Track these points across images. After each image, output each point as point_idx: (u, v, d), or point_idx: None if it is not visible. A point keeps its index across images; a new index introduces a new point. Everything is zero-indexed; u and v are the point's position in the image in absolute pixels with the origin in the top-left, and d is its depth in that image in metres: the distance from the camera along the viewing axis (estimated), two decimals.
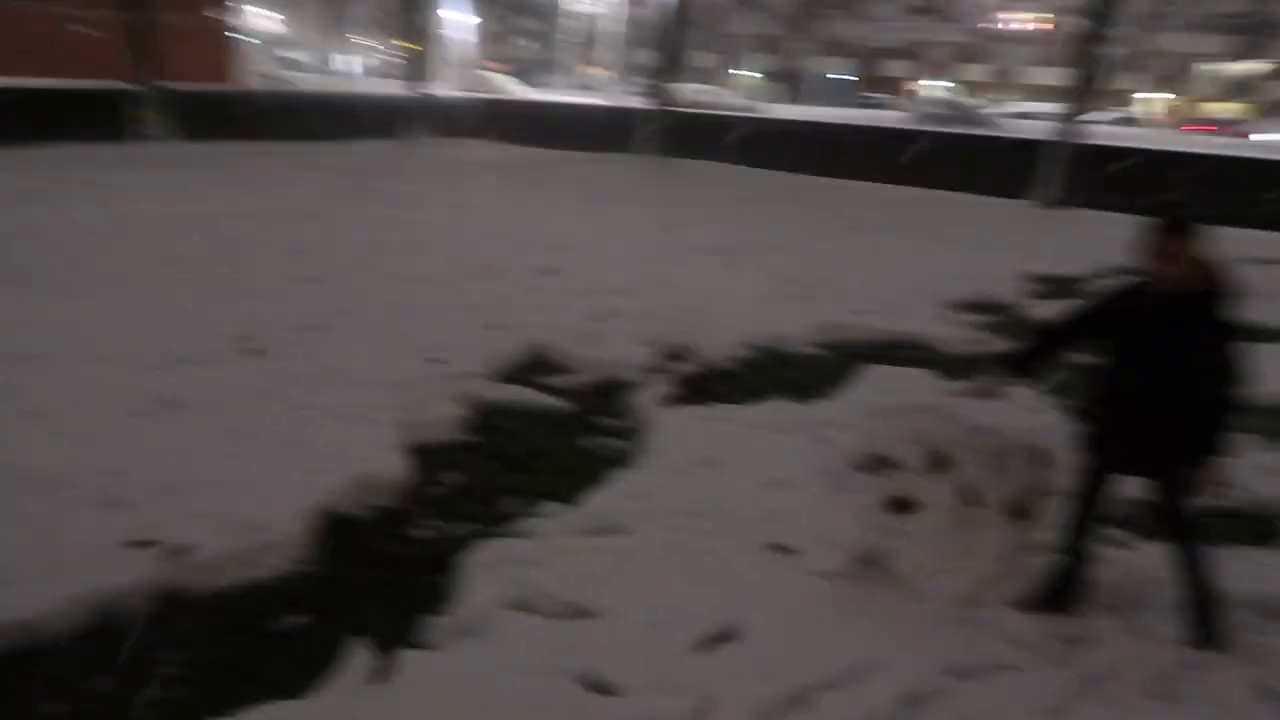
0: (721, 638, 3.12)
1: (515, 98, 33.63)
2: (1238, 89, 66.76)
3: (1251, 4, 52.01)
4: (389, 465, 4.38)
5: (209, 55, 26.23)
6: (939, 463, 3.48)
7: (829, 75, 63.97)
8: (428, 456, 4.66)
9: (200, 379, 5.24)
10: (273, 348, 5.94)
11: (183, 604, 3.27)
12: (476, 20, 49.40)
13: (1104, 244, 12.00)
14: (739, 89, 53.96)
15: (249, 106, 20.39)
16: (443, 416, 5.08)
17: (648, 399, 5.61)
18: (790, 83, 62.56)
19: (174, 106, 17.46)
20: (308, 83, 35.65)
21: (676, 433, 5.02)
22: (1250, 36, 58.68)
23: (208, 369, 5.44)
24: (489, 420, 5.22)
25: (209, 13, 26.73)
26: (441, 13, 26.48)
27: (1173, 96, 60.90)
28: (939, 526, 3.39)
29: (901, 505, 3.45)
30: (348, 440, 4.54)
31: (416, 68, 22.80)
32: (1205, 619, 3.14)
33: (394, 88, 23.58)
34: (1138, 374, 3.10)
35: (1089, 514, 3.33)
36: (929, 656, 2.99)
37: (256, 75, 32.76)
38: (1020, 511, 3.50)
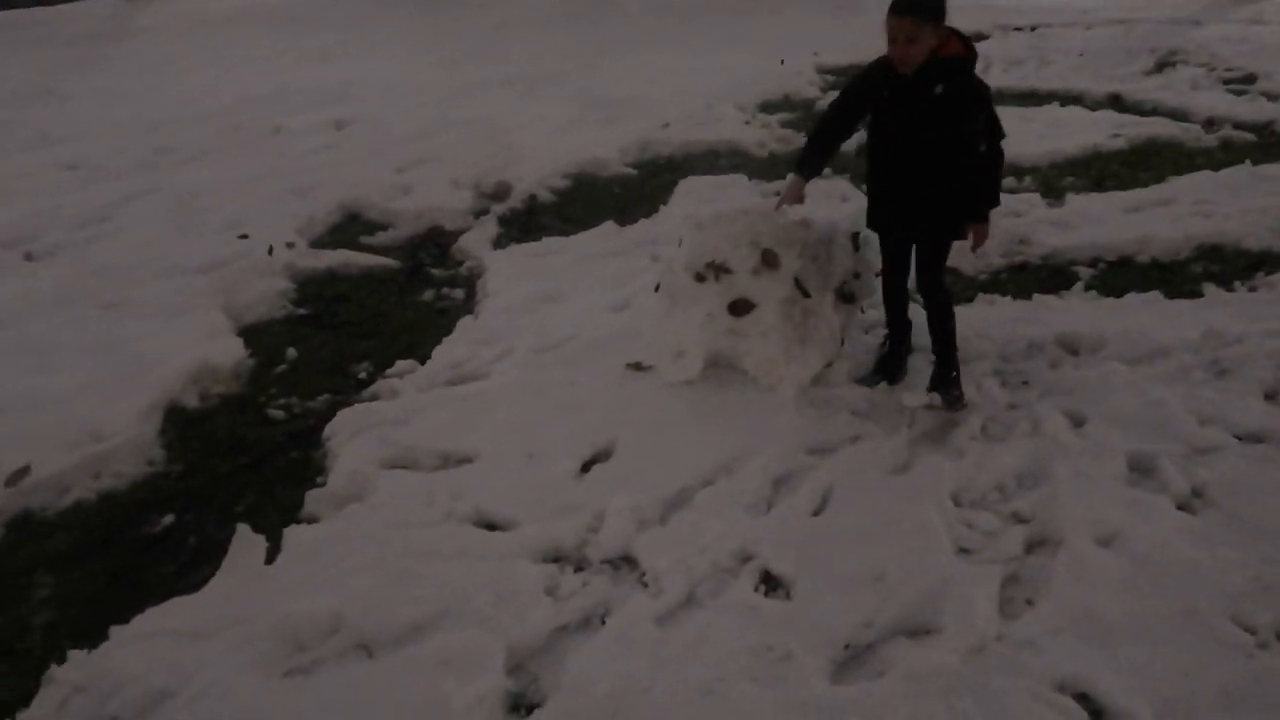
0: (597, 459, 3.29)
1: None
2: None
3: None
4: (224, 350, 4.20)
5: None
6: (769, 261, 3.67)
7: None
8: (262, 336, 4.50)
9: None
10: (59, 248, 5.44)
11: (39, 527, 3.12)
12: None
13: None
14: None
15: None
16: (266, 292, 4.87)
17: (475, 243, 5.55)
18: None
19: None
20: None
21: (512, 272, 5.02)
22: None
23: None
24: (316, 289, 5.05)
25: None
26: None
27: None
28: (778, 321, 3.62)
29: (742, 307, 3.64)
30: (172, 333, 4.31)
31: None
32: (947, 372, 3.49)
33: None
34: (895, 148, 3.28)
35: (895, 284, 3.66)
36: (789, 440, 3.26)
37: None
38: (847, 295, 3.77)
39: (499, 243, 5.57)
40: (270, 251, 5.27)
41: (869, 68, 3.36)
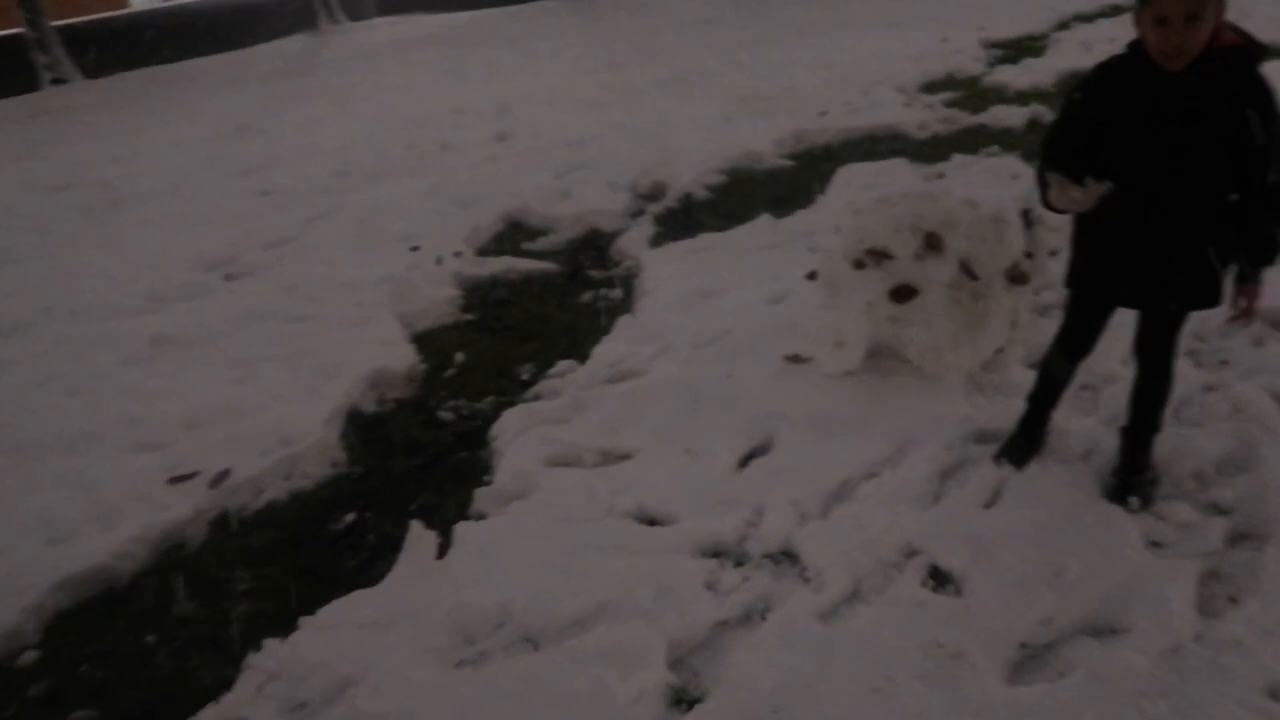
0: (756, 453, 3.24)
1: None
2: None
3: None
4: (399, 357, 4.42)
5: None
6: (932, 244, 3.52)
7: None
8: (433, 341, 4.70)
9: (187, 313, 5.22)
10: (253, 269, 5.89)
11: (239, 525, 3.38)
12: None
13: None
14: None
15: (148, 29, 19.39)
16: (437, 300, 5.08)
17: (632, 243, 5.61)
18: None
19: (75, 42, 16.63)
20: None
21: (668, 270, 5.04)
22: None
23: (192, 302, 5.42)
24: (483, 295, 5.23)
25: None
26: None
27: None
28: (943, 305, 3.46)
29: (904, 293, 3.50)
30: (352, 343, 4.56)
31: None
32: (1143, 472, 2.77)
33: None
34: (1149, 178, 2.34)
35: (1073, 361, 2.83)
36: (957, 429, 3.12)
37: None
38: (1019, 277, 3.57)
39: (656, 242, 5.61)
40: (439, 261, 5.51)
41: (1098, 71, 2.42)
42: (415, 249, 5.78)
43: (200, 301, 5.42)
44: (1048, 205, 2.45)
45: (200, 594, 3.02)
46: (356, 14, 21.57)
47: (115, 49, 17.36)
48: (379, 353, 4.42)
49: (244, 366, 4.47)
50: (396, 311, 4.92)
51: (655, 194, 6.38)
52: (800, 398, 3.47)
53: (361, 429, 3.94)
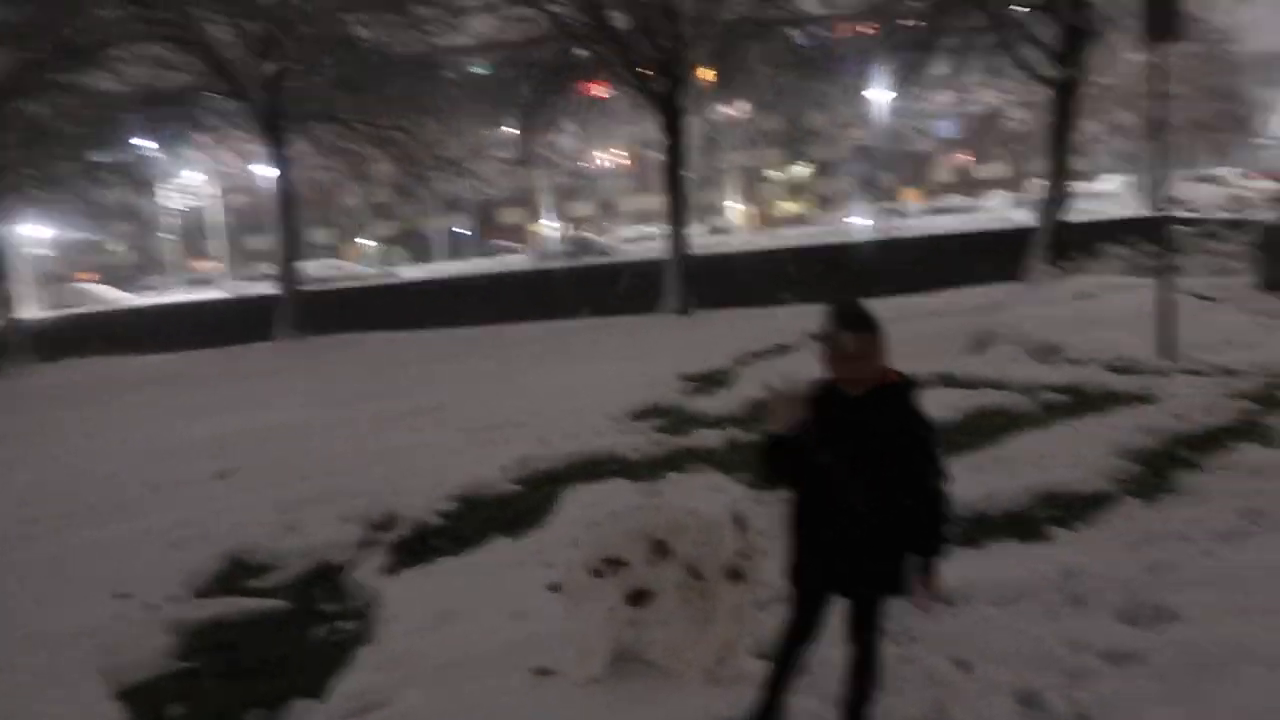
0: None
1: (118, 305, 31.40)
2: (796, 189, 79.00)
3: (786, 122, 61.78)
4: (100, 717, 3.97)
5: None
6: (661, 549, 3.87)
7: (453, 230, 66.42)
8: (145, 696, 4.27)
9: None
10: None
11: None
12: (50, 232, 43.56)
13: (731, 337, 13.65)
14: (366, 258, 54.23)
15: None
16: (149, 649, 4.67)
17: (366, 573, 5.54)
18: (416, 243, 64.06)
19: None
20: None
21: (406, 597, 5.02)
22: (793, 146, 70.26)
23: None
24: (203, 640, 4.88)
25: None
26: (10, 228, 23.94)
27: (750, 203, 70.47)
28: (676, 607, 3.76)
29: (641, 597, 3.78)
30: (44, 705, 4.06)
31: None
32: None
33: None
34: (837, 487, 2.82)
35: (801, 650, 3.14)
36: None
37: None
38: (737, 574, 3.97)
39: (391, 570, 5.58)
40: (150, 608, 5.11)
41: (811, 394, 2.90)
42: (124, 596, 5.34)
43: None
44: (771, 456, 2.93)
45: None
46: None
47: None
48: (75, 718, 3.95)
49: None
50: (99, 666, 4.46)
51: (387, 524, 6.41)
52: (553, 710, 3.53)
53: None
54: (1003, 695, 3.25)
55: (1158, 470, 5.79)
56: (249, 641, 4.83)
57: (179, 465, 8.79)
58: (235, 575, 5.81)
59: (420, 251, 61.57)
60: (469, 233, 64.76)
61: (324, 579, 5.63)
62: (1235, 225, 20.26)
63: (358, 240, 64.53)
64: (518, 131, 23.60)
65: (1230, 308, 11.91)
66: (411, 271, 44.50)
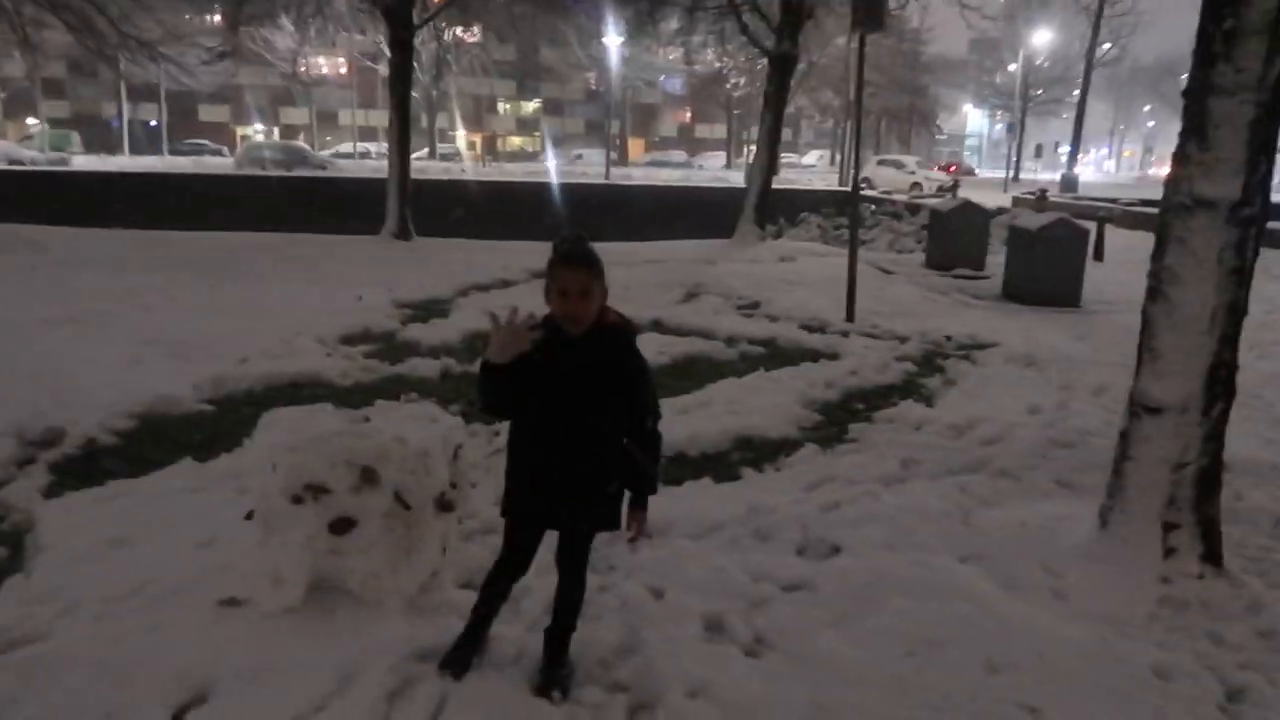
0: (191, 704, 3.01)
1: None
2: (526, 124, 78.59)
3: (519, 54, 60.97)
4: None
5: None
6: (368, 477, 3.75)
7: (144, 122, 59.49)
8: None
9: None
10: None
11: None
12: None
13: (454, 267, 13.41)
14: (32, 140, 47.05)
15: None
16: None
17: (20, 495, 4.90)
18: (96, 131, 56.66)
19: None
20: None
21: (70, 522, 4.50)
22: (526, 81, 69.61)
23: None
24: None
25: None
26: None
27: (479, 133, 69.20)
28: (380, 535, 3.66)
29: (343, 525, 3.64)
30: None
31: None
32: (563, 669, 3.15)
33: None
34: (555, 424, 2.88)
35: (510, 579, 3.21)
36: (400, 650, 3.26)
37: None
38: (446, 505, 3.94)
39: (52, 492, 4.97)
40: None
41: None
42: None
43: None
44: (488, 384, 2.83)
45: None
46: None
47: None
48: None
49: None
50: None
51: (50, 440, 5.70)
52: (239, 641, 3.33)
53: None
54: (691, 621, 3.49)
55: (835, 420, 6.44)
56: None
57: None
58: None
59: (100, 141, 54.44)
60: (155, 124, 57.84)
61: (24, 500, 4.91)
62: (913, 209, 22.85)
63: (26, 121, 56.12)
64: (223, 19, 21.31)
65: (903, 280, 13.40)
66: (88, 161, 39.36)
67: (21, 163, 34.06)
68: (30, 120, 55.33)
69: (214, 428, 6.15)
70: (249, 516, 3.78)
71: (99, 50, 18.56)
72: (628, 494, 3.06)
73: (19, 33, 18.94)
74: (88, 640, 3.35)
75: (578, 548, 3.12)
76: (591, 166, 49.49)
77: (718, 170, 55.18)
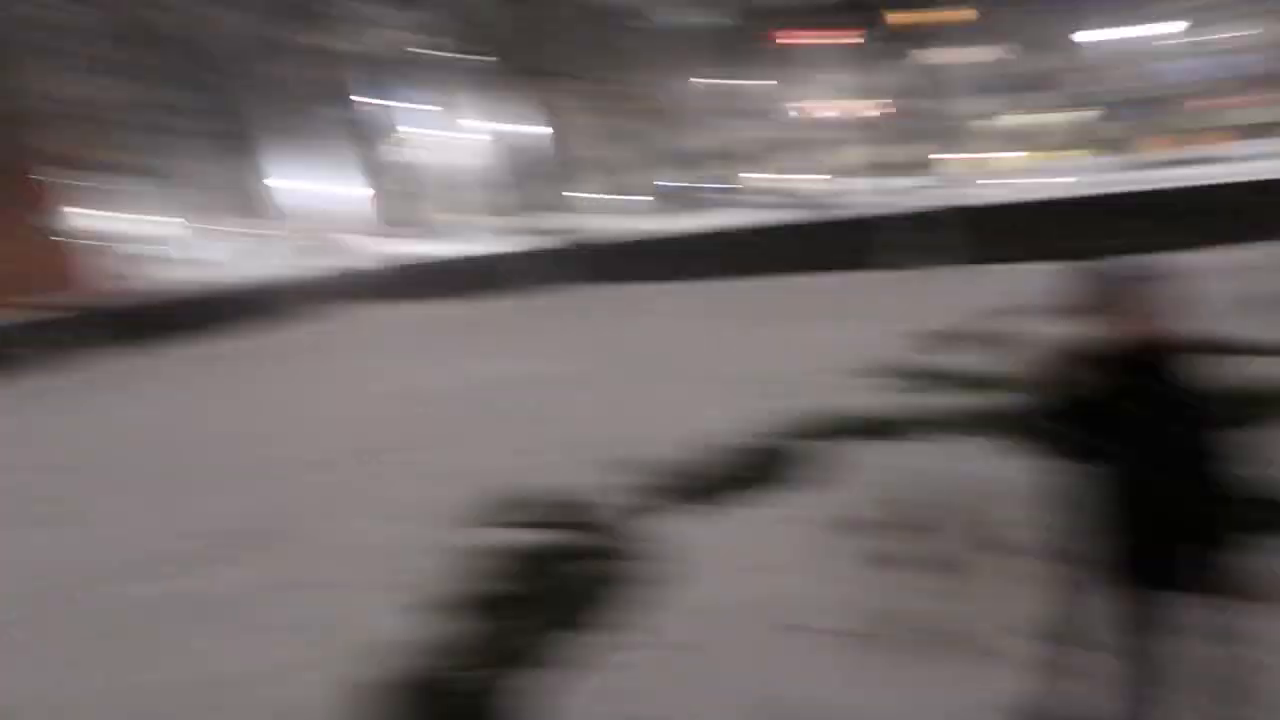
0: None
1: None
2: (1015, 139, 72.05)
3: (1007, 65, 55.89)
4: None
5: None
6: (964, 519, 3.79)
7: (705, 185, 64.05)
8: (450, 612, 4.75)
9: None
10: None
11: None
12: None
13: (964, 295, 12.56)
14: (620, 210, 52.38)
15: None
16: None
17: (654, 517, 5.71)
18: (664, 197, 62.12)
19: None
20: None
21: (697, 543, 5.15)
22: (1016, 93, 63.96)
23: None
24: (489, 566, 5.27)
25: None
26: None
27: (964, 155, 64.65)
28: (968, 578, 3.66)
29: (937, 566, 3.72)
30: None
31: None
32: None
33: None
34: (1143, 464, 2.49)
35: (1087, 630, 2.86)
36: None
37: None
38: (1029, 551, 3.79)
39: (671, 515, 5.72)
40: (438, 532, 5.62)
41: (1071, 359, 2.58)
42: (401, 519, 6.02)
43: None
44: (1058, 427, 2.66)
45: None
46: None
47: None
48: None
49: (255, 633, 4.60)
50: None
51: (665, 471, 6.53)
52: (856, 678, 3.55)
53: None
54: None
55: None
56: (527, 571, 5.18)
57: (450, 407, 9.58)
58: (508, 511, 6.17)
59: (676, 205, 58.86)
60: (717, 185, 61.45)
61: (629, 520, 5.80)
62: None
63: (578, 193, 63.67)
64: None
65: None
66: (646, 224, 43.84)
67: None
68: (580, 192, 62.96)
69: (800, 460, 6.44)
70: (867, 558, 4.00)
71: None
72: None
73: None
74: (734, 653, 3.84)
75: (1164, 611, 2.64)
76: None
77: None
